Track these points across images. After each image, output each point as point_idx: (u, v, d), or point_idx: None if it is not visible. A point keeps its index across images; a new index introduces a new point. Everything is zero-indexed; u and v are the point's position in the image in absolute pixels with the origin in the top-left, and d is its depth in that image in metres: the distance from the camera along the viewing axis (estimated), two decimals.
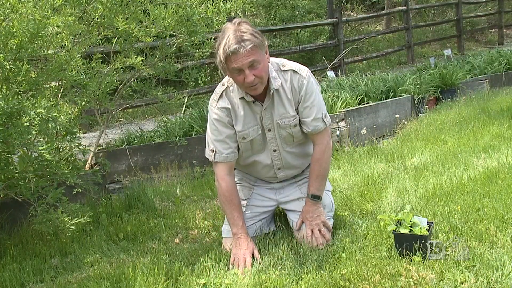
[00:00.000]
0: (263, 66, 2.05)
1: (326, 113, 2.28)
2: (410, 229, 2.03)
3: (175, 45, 3.61)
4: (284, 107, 2.21)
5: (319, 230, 2.24)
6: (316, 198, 2.27)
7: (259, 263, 2.10)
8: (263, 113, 2.22)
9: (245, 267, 2.10)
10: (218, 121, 2.22)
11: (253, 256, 2.16)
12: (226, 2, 3.58)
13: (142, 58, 3.32)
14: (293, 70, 2.20)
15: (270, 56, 2.17)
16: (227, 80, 2.22)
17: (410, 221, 2.06)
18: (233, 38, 1.95)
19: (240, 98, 2.19)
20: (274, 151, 2.31)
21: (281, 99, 2.20)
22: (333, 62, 7.72)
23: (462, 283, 1.79)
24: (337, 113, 4.52)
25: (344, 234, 2.31)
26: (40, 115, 2.29)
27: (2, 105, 2.18)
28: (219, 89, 2.23)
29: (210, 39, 3.64)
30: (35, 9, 2.42)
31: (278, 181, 2.44)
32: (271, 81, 2.15)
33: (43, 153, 2.41)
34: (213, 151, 2.24)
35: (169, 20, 3.15)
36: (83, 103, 3.19)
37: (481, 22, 13.86)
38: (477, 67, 6.97)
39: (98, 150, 3.95)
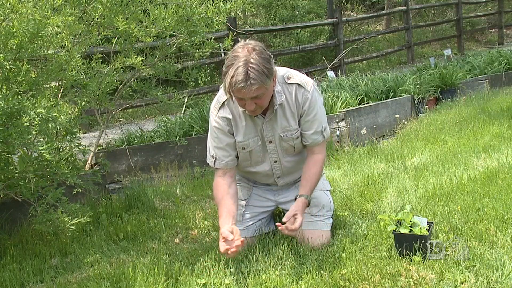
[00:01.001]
0: (266, 96, 2.04)
1: (326, 126, 2.26)
2: (410, 229, 2.03)
3: (175, 45, 3.61)
4: (287, 121, 2.20)
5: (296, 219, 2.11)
6: (309, 198, 2.21)
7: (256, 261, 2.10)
8: (264, 125, 2.21)
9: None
10: (219, 129, 2.21)
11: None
12: (226, 2, 3.57)
13: (142, 58, 3.32)
14: (298, 84, 2.18)
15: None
16: None
17: (410, 221, 2.06)
18: (242, 74, 1.91)
19: (242, 110, 2.17)
20: (275, 161, 2.31)
21: (284, 113, 2.19)
22: (333, 62, 7.72)
23: (462, 283, 1.79)
24: (337, 113, 4.52)
25: (344, 234, 2.31)
26: (40, 115, 2.29)
27: (2, 105, 2.18)
28: (221, 97, 2.20)
29: (210, 39, 3.64)
30: (35, 9, 2.42)
31: (279, 186, 2.44)
32: (275, 96, 2.14)
33: (43, 153, 2.41)
34: (214, 158, 2.25)
35: (169, 20, 3.15)
36: (83, 103, 3.19)
37: (481, 22, 13.87)
38: (477, 67, 6.97)
39: (98, 150, 3.95)
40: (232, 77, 1.93)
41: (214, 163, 2.25)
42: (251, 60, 1.93)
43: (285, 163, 2.32)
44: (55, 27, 2.59)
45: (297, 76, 2.20)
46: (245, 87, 1.92)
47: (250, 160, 2.30)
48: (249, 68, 1.92)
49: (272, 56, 2.05)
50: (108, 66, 3.34)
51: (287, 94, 2.17)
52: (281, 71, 2.21)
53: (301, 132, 2.24)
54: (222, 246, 1.98)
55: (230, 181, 2.25)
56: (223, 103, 2.20)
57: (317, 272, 1.98)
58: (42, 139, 2.56)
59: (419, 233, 2.00)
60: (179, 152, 4.18)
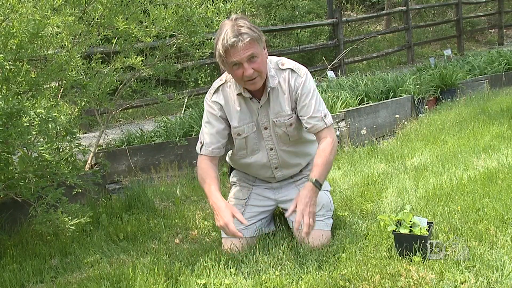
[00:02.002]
0: (261, 59, 2.08)
1: (327, 113, 2.25)
2: (410, 229, 2.03)
3: (175, 45, 3.61)
4: (280, 106, 2.22)
5: (310, 219, 2.10)
6: (318, 185, 2.17)
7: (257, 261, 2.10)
8: (259, 110, 2.23)
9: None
10: (211, 114, 2.25)
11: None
12: (226, 2, 3.58)
13: (142, 58, 3.32)
14: (291, 69, 2.22)
15: (270, 56, 2.18)
16: (226, 76, 2.26)
17: (410, 221, 2.06)
18: (231, 32, 1.99)
19: (237, 94, 2.21)
20: (271, 149, 2.31)
21: (278, 98, 2.21)
22: (333, 62, 7.72)
23: (462, 283, 1.79)
24: (337, 113, 4.52)
25: (344, 234, 2.31)
26: (40, 115, 2.29)
27: (2, 105, 2.18)
28: (216, 83, 2.26)
29: (210, 39, 3.64)
30: (35, 9, 2.42)
31: (277, 181, 2.44)
32: (269, 79, 2.17)
33: (43, 153, 2.41)
34: (201, 143, 2.28)
35: (169, 21, 3.15)
36: (83, 103, 3.19)
37: (481, 22, 13.87)
38: (477, 67, 6.97)
39: (98, 150, 3.95)
40: (223, 39, 2.00)
41: (201, 149, 2.27)
42: (238, 23, 2.01)
43: (281, 152, 2.32)
44: (55, 27, 2.59)
45: (290, 63, 2.24)
46: (237, 42, 1.98)
47: (246, 148, 2.31)
48: (238, 27, 2.00)
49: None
50: (108, 66, 3.34)
51: (281, 79, 2.21)
52: (274, 58, 2.25)
53: (300, 118, 2.24)
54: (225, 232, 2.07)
55: (215, 169, 2.27)
56: (218, 88, 2.25)
57: (317, 272, 1.98)
58: (42, 139, 2.56)
59: (419, 233, 2.00)
60: (179, 152, 4.18)
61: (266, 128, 2.27)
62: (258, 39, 2.04)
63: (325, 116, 2.24)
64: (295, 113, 2.24)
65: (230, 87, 2.23)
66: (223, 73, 2.31)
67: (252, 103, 2.23)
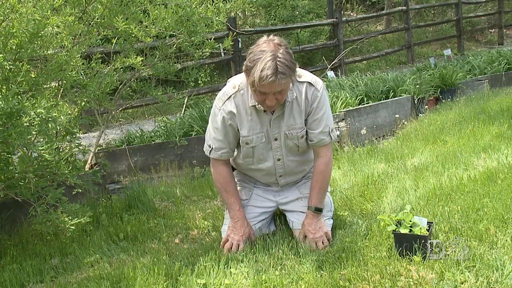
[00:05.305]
0: (287, 91, 2.08)
1: (334, 128, 2.28)
2: (410, 229, 2.03)
3: (175, 45, 3.61)
4: (294, 119, 2.21)
5: (322, 242, 2.23)
6: (319, 210, 2.26)
7: (256, 260, 2.10)
8: (271, 122, 2.21)
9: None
10: (220, 121, 2.23)
11: (249, 237, 2.34)
12: (226, 2, 3.58)
13: (142, 58, 3.31)
14: (309, 83, 2.19)
15: None
16: (238, 84, 2.20)
17: (410, 221, 2.06)
18: (271, 67, 1.94)
19: (251, 105, 2.18)
20: (278, 160, 2.31)
21: (292, 111, 2.20)
22: (333, 62, 7.72)
23: (462, 283, 1.79)
24: (337, 113, 4.52)
25: (344, 234, 2.31)
26: (40, 115, 2.29)
27: (2, 105, 2.18)
28: (229, 90, 2.21)
29: (210, 39, 3.64)
30: (35, 9, 2.42)
31: (280, 186, 2.44)
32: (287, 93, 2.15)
33: (43, 153, 2.41)
34: (210, 147, 2.30)
35: (169, 20, 3.15)
36: (83, 103, 3.19)
37: (481, 22, 13.87)
38: (477, 67, 6.97)
39: (98, 150, 3.95)
40: (262, 71, 1.95)
41: (210, 153, 2.30)
42: (278, 54, 1.97)
43: (288, 162, 2.32)
44: (55, 27, 2.58)
45: (307, 75, 2.22)
46: (275, 81, 1.95)
47: (253, 157, 2.31)
48: (278, 63, 1.95)
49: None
50: (108, 66, 3.34)
51: (297, 92, 2.19)
52: None
53: (308, 131, 2.24)
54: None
55: (231, 174, 2.38)
56: (230, 96, 2.20)
57: (317, 272, 1.98)
58: (42, 139, 2.56)
59: (419, 233, 2.00)
60: (179, 152, 4.18)
61: (276, 139, 2.26)
62: (292, 76, 2.02)
63: (331, 131, 2.26)
64: (305, 125, 2.24)
65: (243, 95, 2.19)
66: (230, 77, 2.28)
67: (265, 114, 2.20)
